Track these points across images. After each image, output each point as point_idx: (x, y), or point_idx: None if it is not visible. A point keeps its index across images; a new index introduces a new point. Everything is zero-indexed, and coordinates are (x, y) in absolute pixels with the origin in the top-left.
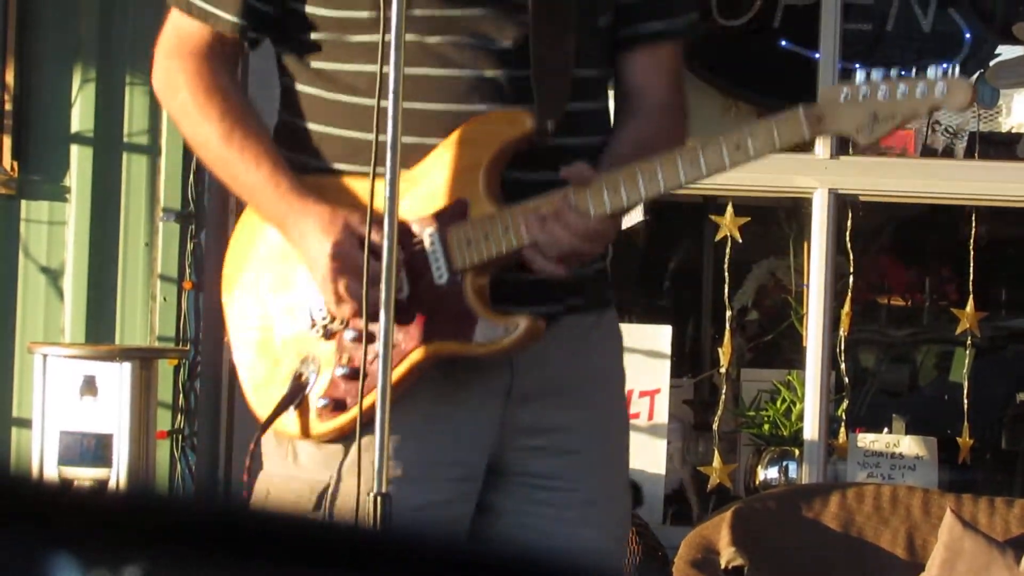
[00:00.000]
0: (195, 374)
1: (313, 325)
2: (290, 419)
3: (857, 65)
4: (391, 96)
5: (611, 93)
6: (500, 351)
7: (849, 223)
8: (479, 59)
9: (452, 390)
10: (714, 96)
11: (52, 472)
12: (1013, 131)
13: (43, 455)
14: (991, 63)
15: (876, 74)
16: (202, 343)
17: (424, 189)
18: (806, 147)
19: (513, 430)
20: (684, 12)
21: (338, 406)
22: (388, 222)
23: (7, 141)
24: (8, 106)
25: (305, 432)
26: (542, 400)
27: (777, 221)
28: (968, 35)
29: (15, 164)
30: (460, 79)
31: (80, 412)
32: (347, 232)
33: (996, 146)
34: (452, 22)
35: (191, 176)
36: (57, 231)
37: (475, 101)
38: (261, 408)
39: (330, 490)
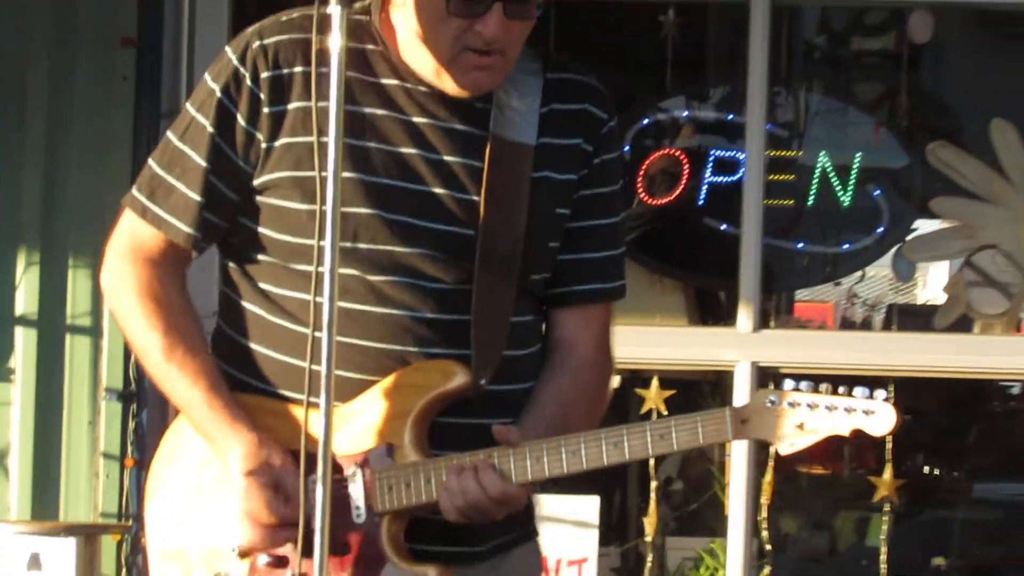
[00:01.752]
0: (137, 548)
1: (230, 547)
2: None
3: (788, 380)
4: (325, 329)
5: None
6: None
7: None
8: (418, 300)
9: None
10: (640, 271)
11: None
12: (929, 303)
13: None
14: (908, 238)
15: (804, 386)
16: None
17: (355, 428)
18: (729, 320)
19: None
20: (617, 277)
21: None
22: (322, 456)
23: None
24: None
25: None
26: None
27: (701, 393)
28: (886, 211)
29: None
30: (398, 318)
31: None
32: (267, 466)
33: (913, 317)
34: (396, 261)
35: (132, 357)
36: (2, 411)
37: (409, 343)
38: None
39: None
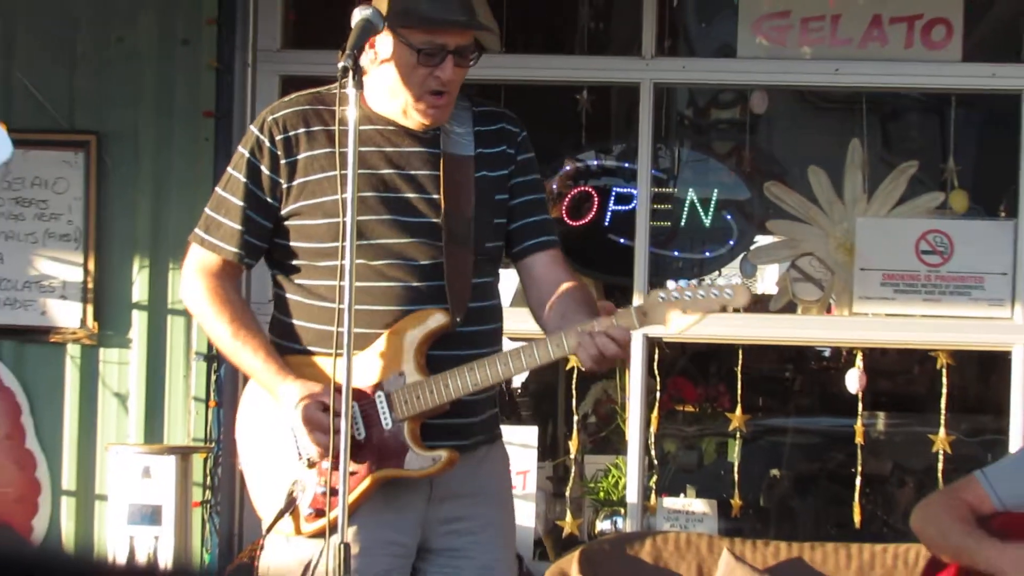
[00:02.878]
0: (217, 463)
1: (300, 458)
2: (285, 522)
3: (672, 280)
4: (347, 301)
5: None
6: (428, 474)
7: (656, 356)
8: (407, 274)
9: (392, 498)
10: (588, 283)
11: (122, 531)
12: (766, 294)
13: (115, 519)
14: (751, 248)
15: (683, 283)
16: (222, 442)
17: (374, 365)
18: (626, 305)
19: (433, 522)
20: (554, 232)
21: (319, 514)
22: (345, 389)
23: (90, 308)
24: (91, 284)
25: (297, 530)
26: (451, 502)
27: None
28: (735, 229)
29: (95, 324)
30: (394, 288)
31: (140, 489)
32: (312, 399)
33: (755, 303)
34: (389, 249)
35: None
36: (124, 368)
37: (404, 303)
38: (262, 510)
39: (312, 563)
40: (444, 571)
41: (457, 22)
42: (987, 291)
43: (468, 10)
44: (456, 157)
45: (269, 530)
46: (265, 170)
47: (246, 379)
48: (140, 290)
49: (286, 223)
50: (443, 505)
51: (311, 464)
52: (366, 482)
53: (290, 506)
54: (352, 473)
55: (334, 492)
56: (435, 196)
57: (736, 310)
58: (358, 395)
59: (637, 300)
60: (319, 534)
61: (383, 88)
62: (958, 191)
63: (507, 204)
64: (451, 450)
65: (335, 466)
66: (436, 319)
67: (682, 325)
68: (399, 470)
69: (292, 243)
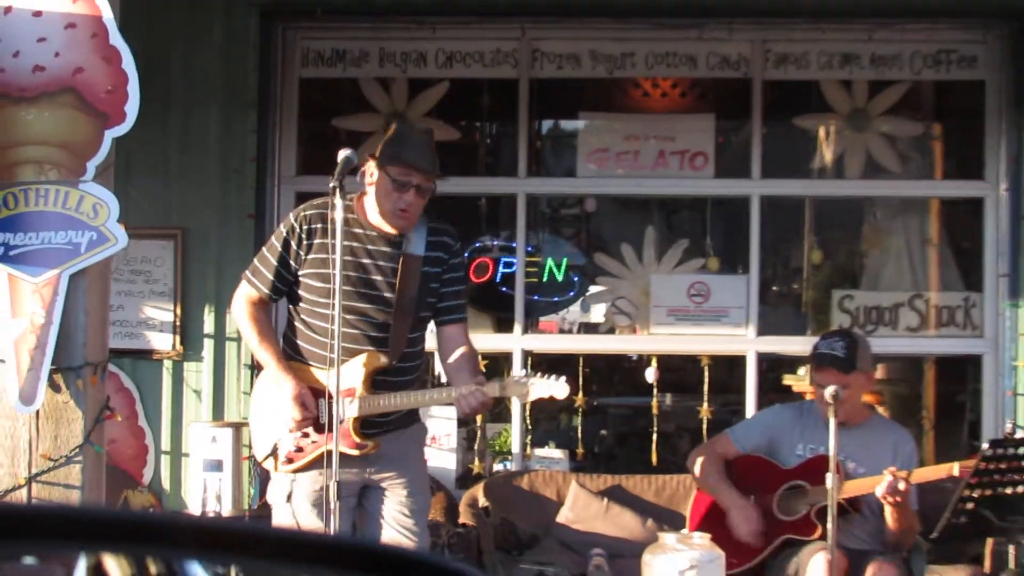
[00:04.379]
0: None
1: (284, 426)
2: (269, 462)
3: (523, 372)
4: (336, 336)
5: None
6: (361, 455)
7: (529, 362)
8: (368, 326)
9: (343, 462)
10: (475, 311)
11: (198, 476)
12: (596, 323)
13: (194, 469)
14: (587, 293)
15: (530, 371)
16: None
17: (343, 381)
18: (511, 329)
19: (370, 473)
20: (465, 312)
21: (289, 461)
22: (336, 389)
23: (177, 338)
24: (178, 323)
25: (276, 469)
26: (379, 464)
27: (499, 363)
28: (577, 283)
29: (181, 347)
30: (358, 334)
31: (210, 449)
32: (298, 391)
33: (590, 328)
34: (359, 309)
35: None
36: (199, 375)
37: (364, 344)
38: (258, 451)
39: (290, 490)
40: (379, 498)
41: (423, 168)
42: (731, 319)
43: (432, 162)
44: (411, 256)
45: (260, 464)
46: (294, 245)
47: (260, 369)
48: (208, 326)
49: (301, 279)
50: (376, 463)
51: (291, 430)
52: (321, 450)
53: (272, 453)
54: (314, 442)
55: (299, 449)
56: (393, 281)
57: (556, 399)
58: (328, 396)
59: (501, 379)
60: (292, 472)
61: (372, 204)
62: (713, 257)
63: (438, 291)
64: (377, 440)
65: (306, 434)
66: (381, 359)
67: (524, 399)
68: (343, 448)
69: (302, 292)
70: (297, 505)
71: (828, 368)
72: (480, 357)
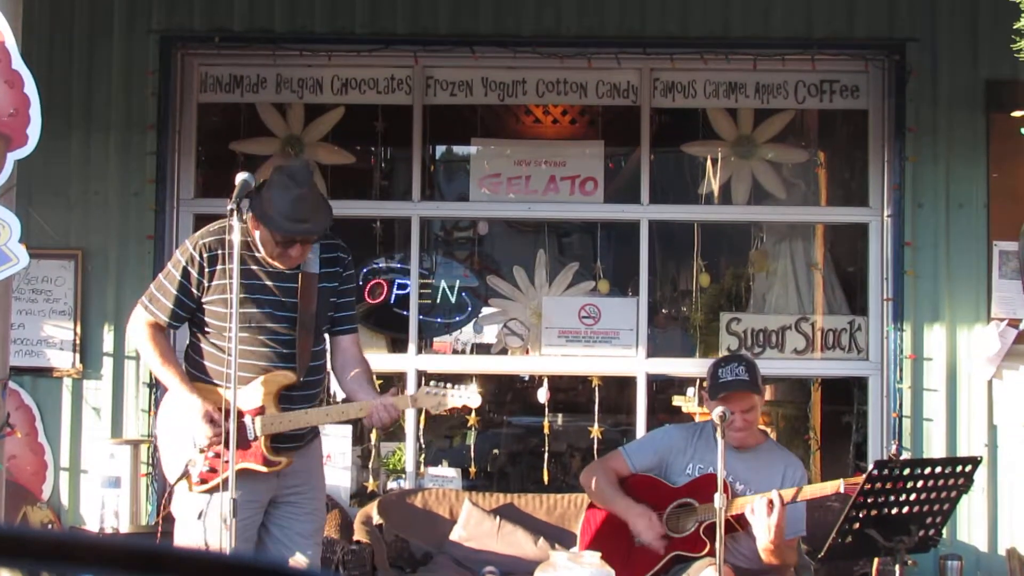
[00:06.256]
0: (155, 449)
1: (194, 446)
2: (182, 484)
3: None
4: (233, 357)
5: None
6: (277, 469)
7: (423, 382)
8: (274, 343)
9: (254, 479)
10: (367, 330)
11: (96, 493)
12: (488, 343)
13: (92, 486)
14: (479, 315)
15: (442, 383)
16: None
17: (250, 398)
18: (405, 350)
19: (279, 488)
20: (355, 320)
21: (203, 481)
22: (232, 411)
23: (77, 356)
24: (78, 341)
25: (190, 489)
26: (287, 479)
27: (393, 382)
28: (470, 304)
29: (81, 365)
30: (265, 351)
31: (108, 466)
32: (206, 411)
33: (483, 349)
34: (264, 327)
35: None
36: (98, 392)
37: (271, 360)
38: (169, 475)
39: (204, 509)
40: (286, 513)
41: (302, 233)
42: (621, 340)
43: (313, 219)
44: (308, 274)
45: (172, 487)
46: (195, 274)
47: (164, 392)
48: (108, 345)
49: (206, 306)
50: (285, 479)
51: (201, 450)
52: (236, 467)
53: (185, 474)
54: (226, 461)
55: (212, 469)
56: (295, 299)
57: (469, 408)
58: (226, 414)
59: (412, 391)
60: (206, 492)
61: (261, 240)
62: (603, 280)
63: (335, 303)
64: (290, 455)
65: (218, 453)
66: (288, 376)
67: (437, 409)
68: (257, 465)
69: (206, 317)
70: (210, 523)
71: (739, 392)
72: (375, 377)
